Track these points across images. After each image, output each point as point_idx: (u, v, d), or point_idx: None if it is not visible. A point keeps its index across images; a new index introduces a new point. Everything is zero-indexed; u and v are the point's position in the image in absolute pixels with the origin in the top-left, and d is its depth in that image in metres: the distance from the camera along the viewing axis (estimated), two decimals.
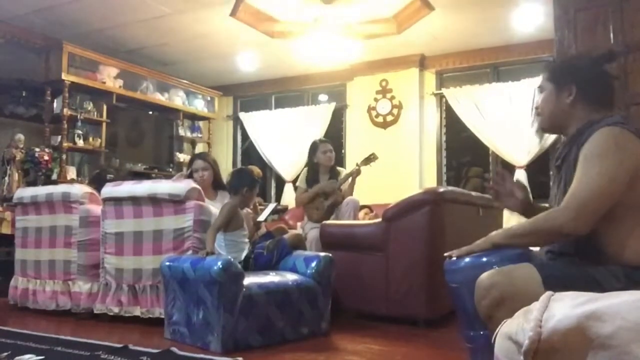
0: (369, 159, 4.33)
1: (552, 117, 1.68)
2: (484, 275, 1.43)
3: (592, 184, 1.44)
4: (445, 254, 1.67)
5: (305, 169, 4.50)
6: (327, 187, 4.24)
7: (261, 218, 3.44)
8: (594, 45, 3.39)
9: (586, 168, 1.47)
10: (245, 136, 7.84)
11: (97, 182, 4.13)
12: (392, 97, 6.62)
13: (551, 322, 0.76)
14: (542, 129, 1.74)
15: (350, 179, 4.28)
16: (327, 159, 4.30)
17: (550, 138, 5.61)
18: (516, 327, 0.81)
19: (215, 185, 3.74)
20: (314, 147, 4.39)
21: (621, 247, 1.45)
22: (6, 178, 5.36)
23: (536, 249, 1.72)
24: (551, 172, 1.84)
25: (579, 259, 1.50)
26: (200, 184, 3.48)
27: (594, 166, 1.46)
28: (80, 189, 3.80)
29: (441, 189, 3.48)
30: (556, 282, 1.30)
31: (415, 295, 3.14)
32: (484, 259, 1.64)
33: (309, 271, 2.96)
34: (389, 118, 6.62)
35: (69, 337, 2.85)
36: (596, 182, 1.44)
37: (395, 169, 6.16)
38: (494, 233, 1.62)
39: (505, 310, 1.21)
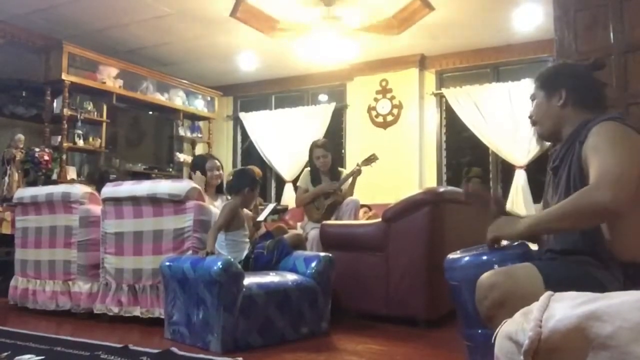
0: (370, 159, 4.32)
1: (547, 123, 1.69)
2: (485, 276, 1.42)
3: (619, 160, 1.37)
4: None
5: (307, 169, 4.50)
6: (328, 188, 4.23)
7: (261, 218, 3.45)
8: (594, 45, 3.39)
9: (604, 151, 1.41)
10: (245, 136, 7.84)
11: (100, 183, 4.16)
12: (392, 97, 6.62)
13: (551, 322, 0.76)
14: (541, 137, 1.76)
15: (350, 179, 4.28)
16: (320, 164, 4.26)
17: None
18: (516, 327, 0.80)
19: (219, 188, 3.81)
20: (310, 150, 4.37)
21: (623, 245, 1.42)
22: (6, 178, 5.35)
23: (534, 247, 1.71)
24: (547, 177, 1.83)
25: (580, 258, 1.48)
26: (214, 182, 3.73)
27: (612, 149, 1.41)
28: (80, 189, 3.80)
29: (441, 189, 3.48)
30: (558, 282, 1.29)
31: (415, 295, 3.14)
32: (484, 258, 1.63)
33: (308, 271, 2.96)
34: (389, 118, 6.63)
35: (69, 337, 2.86)
36: (623, 158, 1.37)
37: (395, 169, 6.16)
38: (522, 221, 1.54)
39: (506, 310, 1.20)
